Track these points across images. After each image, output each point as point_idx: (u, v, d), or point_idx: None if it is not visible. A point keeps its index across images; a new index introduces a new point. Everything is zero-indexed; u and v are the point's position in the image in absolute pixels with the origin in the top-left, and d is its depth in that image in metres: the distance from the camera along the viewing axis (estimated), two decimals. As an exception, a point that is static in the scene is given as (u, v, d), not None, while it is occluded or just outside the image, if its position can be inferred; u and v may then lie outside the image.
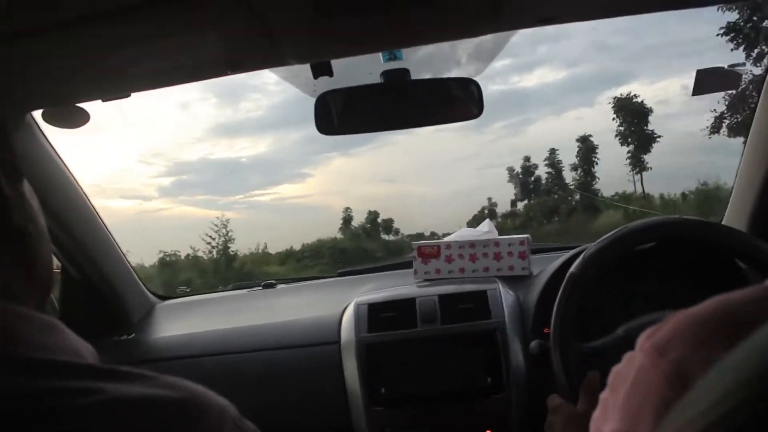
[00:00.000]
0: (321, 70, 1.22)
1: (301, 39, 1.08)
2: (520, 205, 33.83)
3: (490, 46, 1.34)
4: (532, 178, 35.41)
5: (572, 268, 1.28)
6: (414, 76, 1.33)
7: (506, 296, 1.60)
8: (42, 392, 0.50)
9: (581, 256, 1.29)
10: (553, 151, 34.56)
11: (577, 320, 1.27)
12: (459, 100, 1.34)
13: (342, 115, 1.33)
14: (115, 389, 0.52)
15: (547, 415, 1.21)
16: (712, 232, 1.30)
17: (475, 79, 1.33)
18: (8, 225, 0.61)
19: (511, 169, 35.46)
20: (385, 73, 1.32)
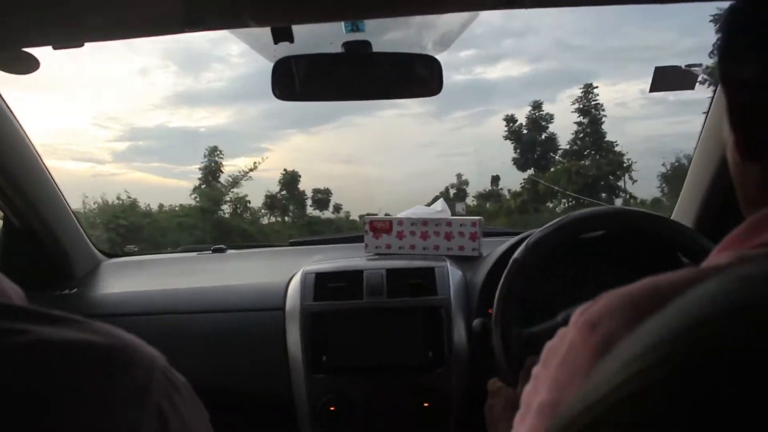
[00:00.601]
0: (282, 35, 1.20)
1: (263, 1, 1.06)
2: (520, 177, 23.34)
3: (453, 26, 1.34)
4: (543, 136, 23.68)
5: (516, 254, 1.30)
6: (376, 48, 1.33)
7: (454, 274, 1.63)
8: None
9: (525, 242, 1.31)
10: (588, 88, 22.50)
11: (520, 305, 1.29)
12: (418, 76, 1.34)
13: (300, 81, 1.31)
14: (42, 331, 0.50)
15: (487, 398, 1.24)
16: (656, 224, 1.33)
17: (435, 56, 1.33)
18: None
19: (510, 120, 24.35)
20: (347, 44, 1.31)
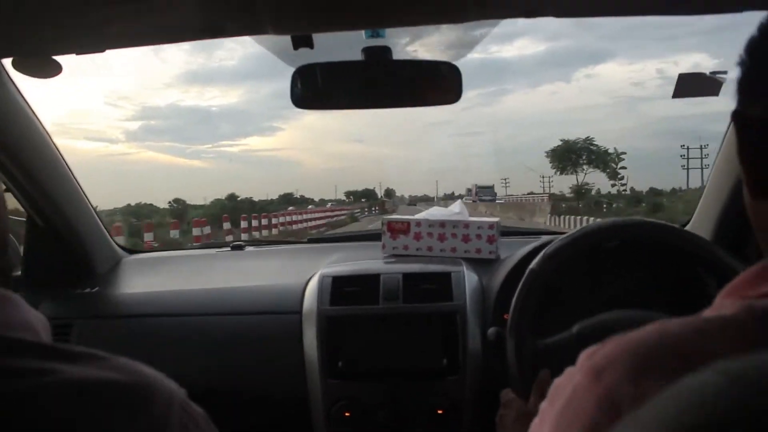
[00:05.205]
0: (301, 41, 1.20)
1: (283, 11, 1.06)
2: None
3: (473, 32, 1.33)
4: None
5: (532, 264, 1.30)
6: (396, 54, 1.32)
7: (470, 279, 1.62)
8: None
9: (541, 252, 1.30)
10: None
11: (535, 315, 1.29)
12: (438, 84, 1.33)
13: (319, 90, 1.31)
14: (67, 370, 0.52)
15: (499, 409, 1.24)
16: (672, 236, 1.32)
17: (455, 64, 1.32)
18: None
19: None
20: (367, 50, 1.30)
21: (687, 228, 1.78)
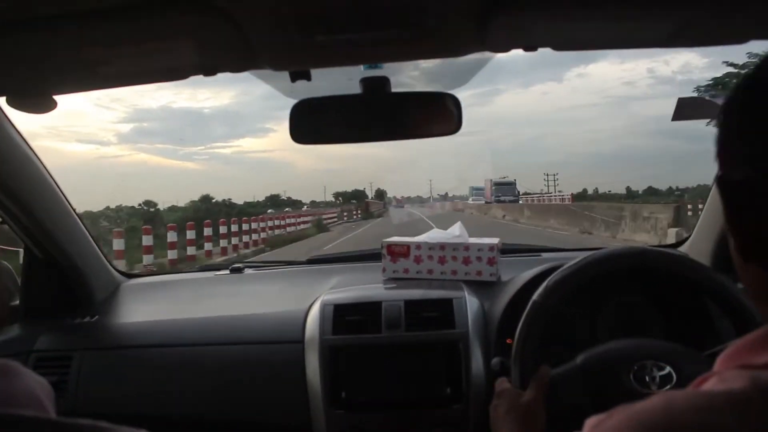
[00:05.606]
0: (299, 74, 1.20)
1: (280, 51, 1.05)
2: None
3: (471, 63, 1.32)
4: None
5: (535, 296, 1.29)
6: (394, 81, 1.31)
7: (471, 305, 1.61)
8: None
9: (544, 283, 1.30)
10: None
11: (539, 344, 1.29)
12: (438, 115, 1.32)
13: (318, 124, 1.30)
14: None
15: (493, 398, 1.25)
16: (676, 264, 1.32)
17: (455, 94, 1.32)
18: None
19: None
20: (365, 80, 1.29)
21: (685, 247, 1.78)
